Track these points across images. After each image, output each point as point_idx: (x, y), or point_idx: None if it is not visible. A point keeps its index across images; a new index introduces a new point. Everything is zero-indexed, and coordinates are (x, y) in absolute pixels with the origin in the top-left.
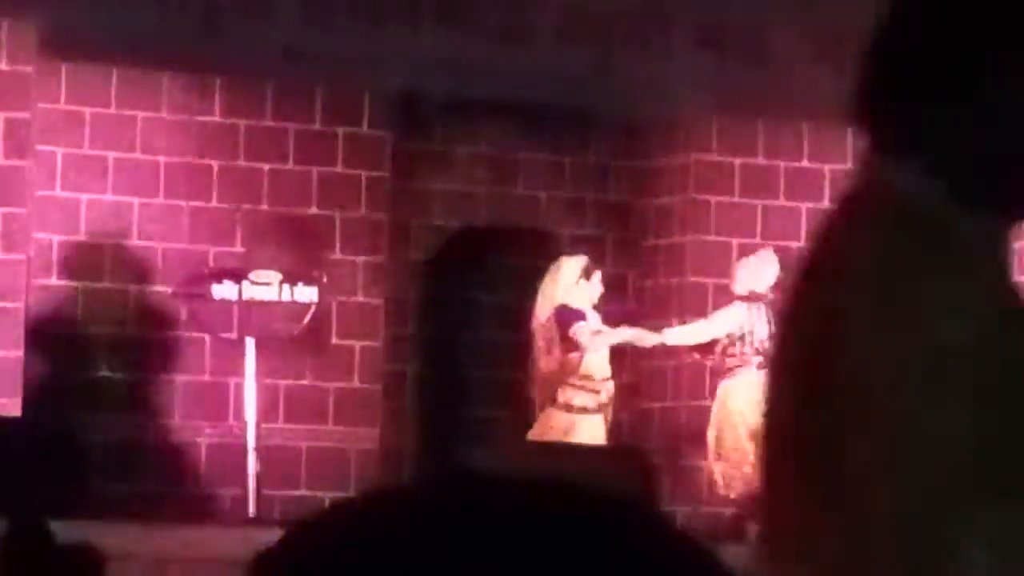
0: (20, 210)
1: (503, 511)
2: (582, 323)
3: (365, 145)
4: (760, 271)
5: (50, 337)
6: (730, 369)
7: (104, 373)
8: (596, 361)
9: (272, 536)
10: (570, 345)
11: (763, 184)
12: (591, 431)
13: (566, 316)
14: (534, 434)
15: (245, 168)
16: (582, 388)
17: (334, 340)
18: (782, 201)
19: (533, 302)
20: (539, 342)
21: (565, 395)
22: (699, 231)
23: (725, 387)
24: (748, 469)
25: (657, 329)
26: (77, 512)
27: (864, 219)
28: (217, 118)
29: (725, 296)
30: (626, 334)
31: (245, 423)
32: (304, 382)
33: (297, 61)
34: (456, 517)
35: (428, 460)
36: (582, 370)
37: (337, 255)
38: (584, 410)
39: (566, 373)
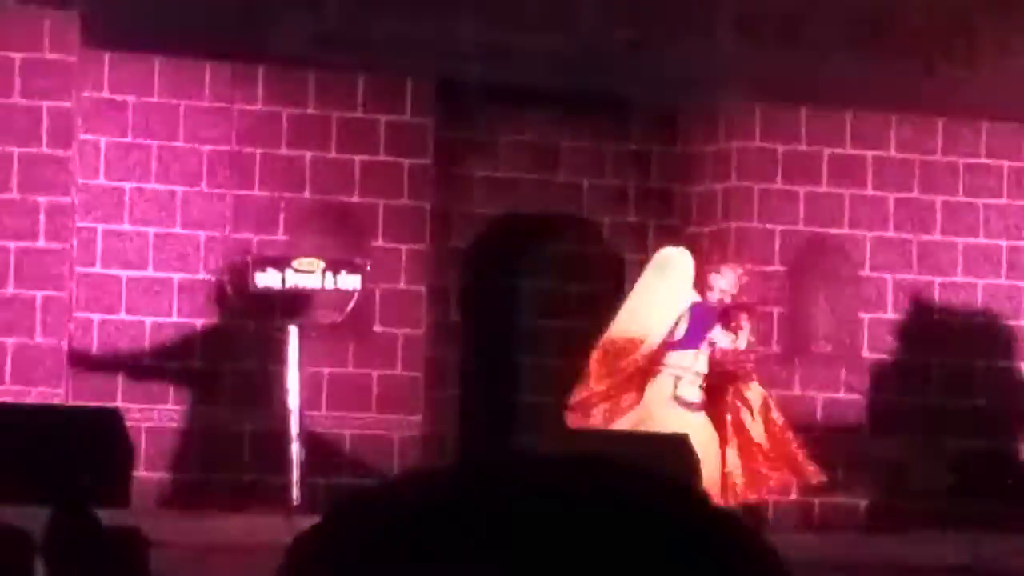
0: (64, 199)
1: (539, 490)
2: (718, 325)
3: (407, 133)
4: (731, 282)
5: (95, 326)
6: (747, 373)
7: (148, 361)
8: (703, 358)
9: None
10: (700, 341)
11: (806, 170)
12: (703, 432)
13: (704, 314)
14: (639, 424)
15: (287, 156)
16: (694, 384)
17: (377, 328)
18: (825, 187)
19: (575, 288)
20: (655, 334)
21: (681, 390)
22: (742, 218)
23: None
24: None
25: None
26: (122, 500)
27: None
28: (259, 106)
29: (769, 282)
30: (730, 337)
31: (289, 411)
32: (347, 370)
33: (339, 49)
34: (490, 498)
35: (471, 447)
36: (696, 367)
37: (380, 243)
38: (691, 405)
39: (659, 366)
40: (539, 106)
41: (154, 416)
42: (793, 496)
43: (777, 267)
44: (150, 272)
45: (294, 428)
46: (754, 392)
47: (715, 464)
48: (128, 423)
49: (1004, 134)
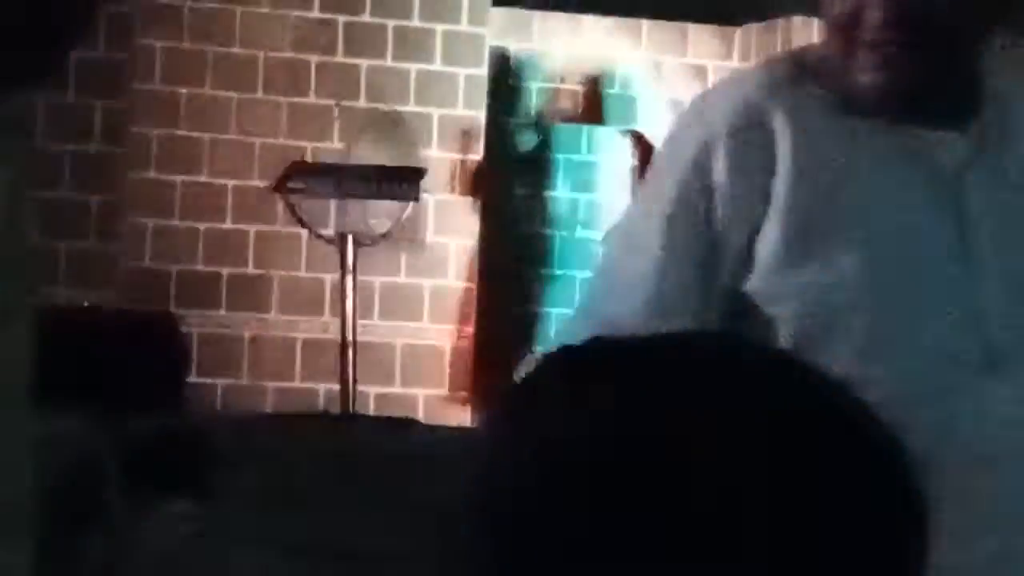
0: (119, 104)
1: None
2: None
3: (463, 42)
4: None
5: (148, 230)
6: None
7: (200, 267)
8: None
9: (364, 432)
10: None
11: None
12: None
13: None
14: None
15: (343, 64)
16: None
17: (430, 237)
18: None
19: (626, 199)
20: None
21: None
22: None
23: None
24: None
25: None
26: (176, 405)
27: None
28: (316, 13)
29: None
30: None
31: (341, 319)
32: (399, 279)
33: None
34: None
35: (522, 357)
36: None
37: (434, 152)
38: None
39: None
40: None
41: (206, 322)
42: None
43: None
44: (204, 178)
45: (348, 336)
46: None
47: None
48: (180, 328)
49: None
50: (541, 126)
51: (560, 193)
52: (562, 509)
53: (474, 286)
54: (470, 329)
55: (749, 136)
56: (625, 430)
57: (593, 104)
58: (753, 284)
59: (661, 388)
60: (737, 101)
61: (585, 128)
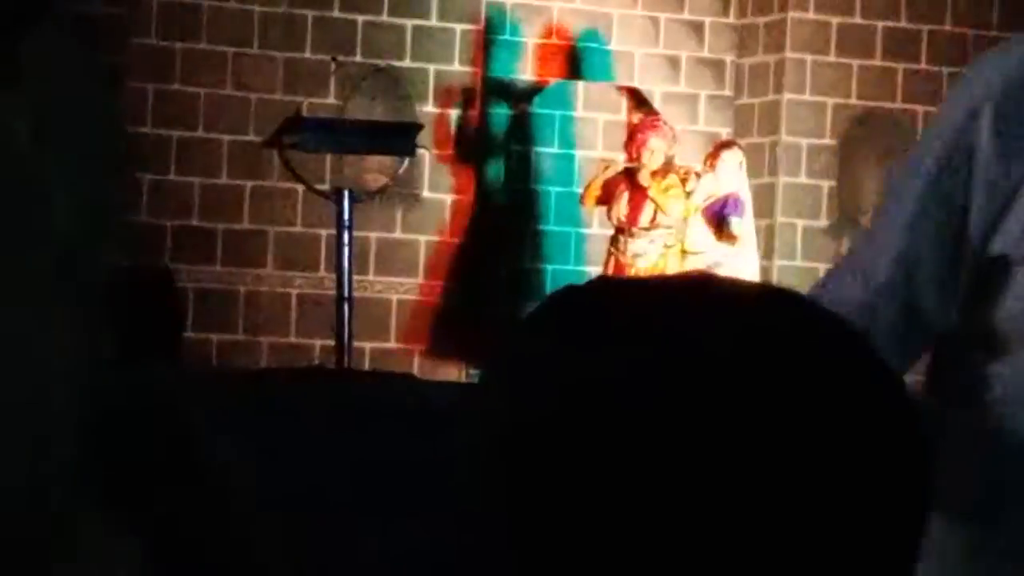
0: (116, 59)
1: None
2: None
3: (462, 1)
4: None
5: (144, 185)
6: None
7: (196, 222)
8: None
9: (358, 388)
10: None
11: (860, 44)
12: None
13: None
14: None
15: (339, 19)
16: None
17: (425, 194)
18: (878, 61)
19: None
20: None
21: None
22: (794, 90)
23: None
24: None
25: None
26: (172, 360)
27: None
28: None
29: (820, 157)
30: None
31: (336, 274)
32: (395, 235)
33: None
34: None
35: (517, 314)
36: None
37: (430, 108)
38: None
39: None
40: None
41: (201, 276)
42: None
43: (828, 140)
44: (200, 133)
45: (344, 291)
46: None
47: None
48: (175, 283)
49: None
50: (536, 82)
51: (554, 149)
52: (567, 444)
53: (468, 242)
54: (464, 285)
55: (1015, 102)
56: (617, 368)
57: (588, 60)
58: (1006, 246)
59: (654, 331)
60: (1005, 67)
61: (580, 84)
